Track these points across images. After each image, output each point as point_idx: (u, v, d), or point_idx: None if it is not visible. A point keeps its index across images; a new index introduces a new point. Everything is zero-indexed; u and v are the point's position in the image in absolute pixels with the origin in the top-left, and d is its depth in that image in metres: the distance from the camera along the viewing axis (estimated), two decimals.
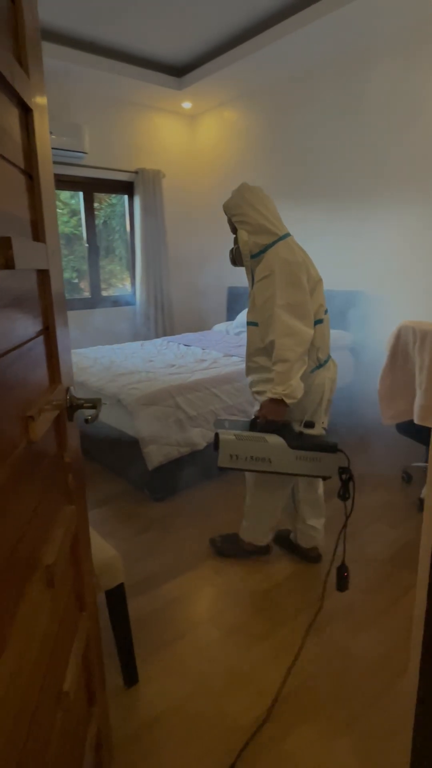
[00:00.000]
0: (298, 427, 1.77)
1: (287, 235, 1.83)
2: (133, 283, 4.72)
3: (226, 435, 1.67)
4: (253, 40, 3.37)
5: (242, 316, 4.07)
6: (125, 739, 1.31)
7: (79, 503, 1.01)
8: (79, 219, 4.40)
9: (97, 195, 4.44)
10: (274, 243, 1.78)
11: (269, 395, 1.71)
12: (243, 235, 1.78)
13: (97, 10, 3.09)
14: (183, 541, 2.24)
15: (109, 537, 2.28)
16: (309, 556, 2.07)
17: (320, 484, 2.03)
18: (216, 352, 3.38)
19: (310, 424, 1.76)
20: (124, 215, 4.68)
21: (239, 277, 4.59)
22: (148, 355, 3.36)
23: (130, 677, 1.48)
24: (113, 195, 4.57)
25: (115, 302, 4.62)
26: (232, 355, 3.24)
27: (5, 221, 0.68)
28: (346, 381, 3.40)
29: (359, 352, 3.48)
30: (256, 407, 1.88)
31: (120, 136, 4.30)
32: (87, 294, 4.50)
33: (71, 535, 0.94)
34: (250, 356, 1.90)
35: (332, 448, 1.68)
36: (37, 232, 0.84)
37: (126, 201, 4.62)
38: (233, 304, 4.56)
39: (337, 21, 2.95)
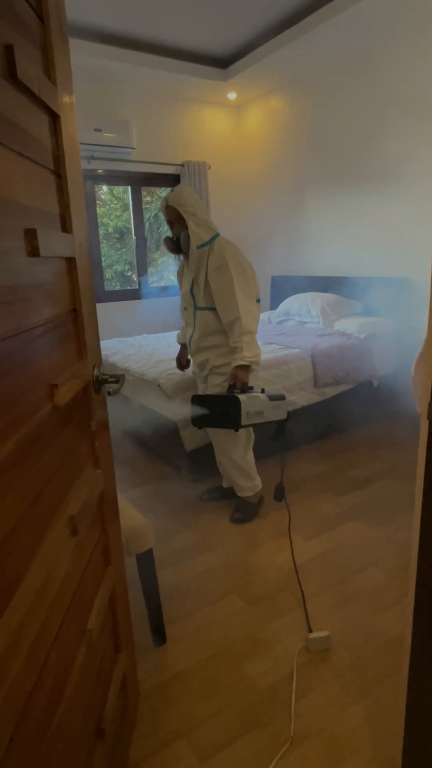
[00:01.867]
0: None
1: (218, 234, 2.14)
2: None
3: (242, 397, 1.91)
4: (296, 26, 3.35)
5: (286, 304, 4.08)
6: (151, 690, 1.43)
7: (105, 468, 1.12)
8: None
9: (149, 188, 4.58)
10: (213, 238, 2.09)
11: (240, 362, 2.00)
12: (191, 226, 2.05)
13: (140, 8, 3.19)
14: (217, 519, 2.35)
15: (148, 513, 2.42)
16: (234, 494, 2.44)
17: None
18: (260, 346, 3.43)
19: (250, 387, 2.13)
20: None
21: (283, 265, 4.61)
22: None
23: (159, 637, 1.60)
24: (162, 188, 4.70)
25: (164, 292, 4.77)
26: (272, 343, 3.29)
27: (34, 216, 0.78)
28: (388, 370, 3.36)
29: (403, 340, 3.42)
30: (213, 380, 2.22)
31: (167, 130, 4.41)
32: (135, 285, 4.68)
33: (96, 495, 1.06)
34: (204, 337, 2.20)
35: (283, 397, 2.06)
36: (66, 225, 0.94)
37: None
38: (277, 292, 4.58)
39: (377, 4, 2.89)
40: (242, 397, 1.90)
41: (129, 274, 4.77)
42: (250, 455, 2.30)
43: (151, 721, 1.33)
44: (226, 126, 4.77)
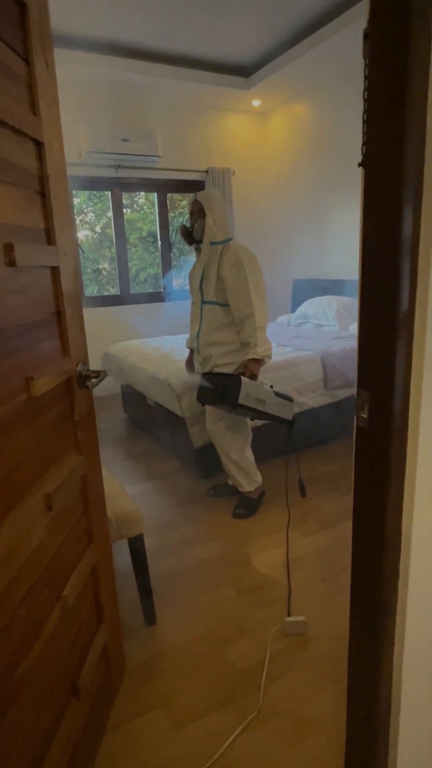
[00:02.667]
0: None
1: (231, 238, 2.28)
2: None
3: (244, 378, 2.05)
4: (316, 34, 3.42)
5: (304, 307, 4.14)
6: (137, 664, 1.54)
7: (89, 455, 1.25)
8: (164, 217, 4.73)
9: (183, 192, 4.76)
10: (227, 240, 2.24)
11: (252, 356, 2.13)
12: (209, 221, 2.20)
13: (164, 22, 3.34)
14: (220, 513, 2.44)
15: (155, 505, 2.55)
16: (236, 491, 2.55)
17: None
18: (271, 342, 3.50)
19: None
20: None
21: (304, 269, 4.66)
22: None
23: (149, 617, 1.71)
24: (189, 194, 4.85)
25: (188, 296, 4.90)
26: (286, 345, 3.35)
27: (14, 232, 0.91)
28: None
29: None
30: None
31: (191, 138, 4.55)
32: (159, 288, 4.84)
33: (78, 478, 1.18)
34: (209, 333, 2.30)
35: (290, 399, 2.18)
36: (50, 238, 1.07)
37: None
38: (298, 296, 4.64)
39: None
40: (244, 378, 2.03)
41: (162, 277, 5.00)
42: (249, 453, 2.38)
43: (134, 691, 1.45)
44: (251, 132, 4.87)
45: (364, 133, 0.74)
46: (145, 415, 3.49)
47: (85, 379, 1.20)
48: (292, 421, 2.27)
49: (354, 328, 3.49)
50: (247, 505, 2.43)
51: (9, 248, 0.87)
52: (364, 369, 0.82)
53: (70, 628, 1.13)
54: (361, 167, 0.75)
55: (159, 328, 4.58)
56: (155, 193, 4.63)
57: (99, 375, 1.19)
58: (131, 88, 4.06)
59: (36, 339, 1.00)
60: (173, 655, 1.58)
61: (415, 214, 0.72)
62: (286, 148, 4.68)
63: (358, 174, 3.24)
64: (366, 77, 0.72)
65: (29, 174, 0.98)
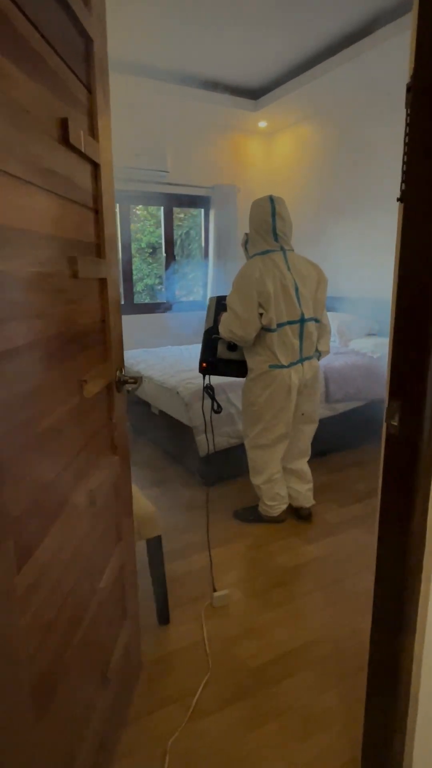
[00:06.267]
0: (221, 342, 2.35)
1: (267, 251, 2.24)
2: (205, 290, 5.08)
3: (213, 298, 2.44)
4: (324, 63, 3.58)
5: None
6: (152, 661, 1.59)
7: (121, 456, 1.31)
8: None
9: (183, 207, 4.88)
10: (252, 256, 2.26)
11: (225, 316, 2.22)
12: (244, 238, 2.35)
13: (179, 45, 3.47)
14: (225, 520, 2.50)
15: (161, 512, 2.60)
16: (299, 515, 2.53)
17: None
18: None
19: (232, 347, 2.35)
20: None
21: None
22: None
23: (163, 617, 1.76)
24: (193, 208, 4.97)
25: (190, 307, 5.01)
26: None
27: (76, 246, 0.99)
28: None
29: None
30: None
31: (199, 155, 4.68)
32: (164, 298, 4.93)
33: (113, 477, 1.25)
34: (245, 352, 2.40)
35: (204, 357, 2.34)
36: (100, 251, 1.15)
37: (202, 214, 5.00)
38: None
39: (399, 47, 3.08)
40: (212, 297, 2.44)
41: (159, 288, 5.07)
42: (265, 485, 2.38)
43: (150, 687, 1.50)
44: (257, 152, 5.02)
45: (403, 172, 0.84)
46: (148, 422, 3.54)
47: (122, 384, 1.27)
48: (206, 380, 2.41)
49: (354, 345, 3.61)
50: (250, 513, 2.49)
51: (73, 261, 0.95)
52: (396, 380, 0.91)
53: (103, 620, 1.18)
54: (400, 202, 0.85)
55: (165, 338, 4.65)
56: (161, 207, 4.74)
57: (136, 381, 1.26)
58: (145, 106, 4.18)
59: (86, 345, 1.07)
60: (186, 653, 1.64)
61: None
62: (291, 169, 4.84)
63: (362, 197, 3.45)
64: (407, 124, 0.82)
65: (87, 193, 1.07)
